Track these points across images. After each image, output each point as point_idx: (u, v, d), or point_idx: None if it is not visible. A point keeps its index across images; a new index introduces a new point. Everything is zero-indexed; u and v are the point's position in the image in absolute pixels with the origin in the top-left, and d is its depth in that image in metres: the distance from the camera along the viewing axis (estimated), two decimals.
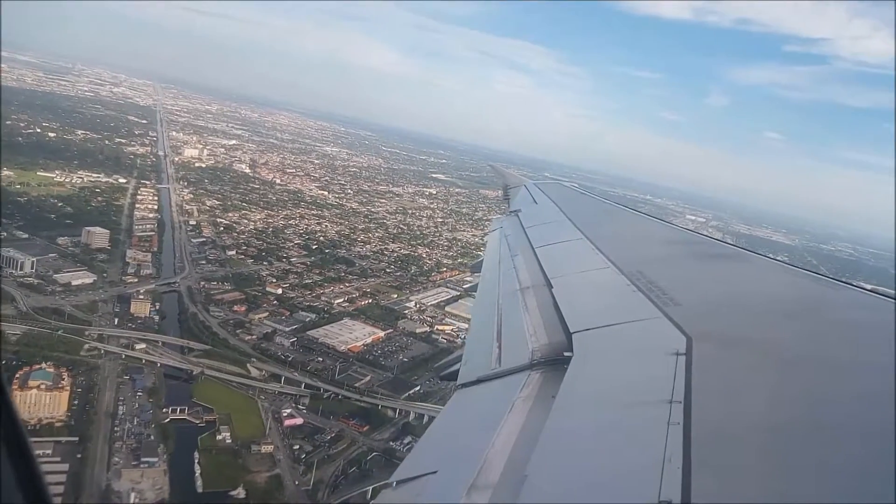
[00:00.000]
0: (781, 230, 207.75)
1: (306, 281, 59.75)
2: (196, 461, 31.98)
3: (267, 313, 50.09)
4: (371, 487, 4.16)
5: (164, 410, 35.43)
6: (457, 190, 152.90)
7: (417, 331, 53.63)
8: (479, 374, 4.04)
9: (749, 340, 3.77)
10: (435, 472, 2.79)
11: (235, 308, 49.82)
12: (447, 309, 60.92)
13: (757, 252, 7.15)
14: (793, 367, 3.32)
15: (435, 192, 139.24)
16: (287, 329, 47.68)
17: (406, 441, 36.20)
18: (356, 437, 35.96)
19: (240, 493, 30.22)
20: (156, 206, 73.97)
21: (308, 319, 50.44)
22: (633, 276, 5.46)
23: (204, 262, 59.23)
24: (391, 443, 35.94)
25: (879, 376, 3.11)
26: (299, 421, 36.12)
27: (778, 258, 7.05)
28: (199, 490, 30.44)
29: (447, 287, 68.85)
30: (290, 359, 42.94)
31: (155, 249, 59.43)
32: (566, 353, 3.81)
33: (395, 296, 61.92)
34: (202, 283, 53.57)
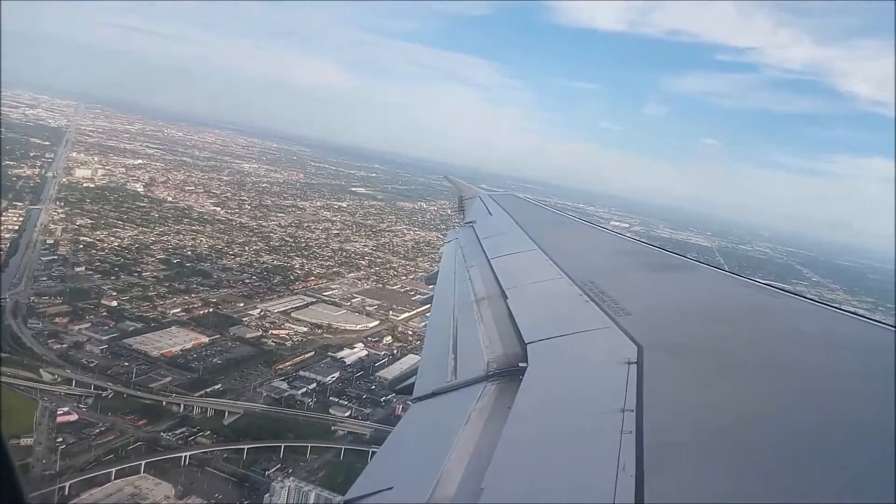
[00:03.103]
0: (707, 232, 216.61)
1: (150, 293, 62.86)
2: None
3: (89, 324, 53.16)
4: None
5: None
6: (372, 202, 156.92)
7: (247, 336, 57.27)
8: (435, 387, 4.15)
9: (697, 348, 3.95)
10: (390, 489, 2.84)
11: (57, 320, 52.82)
12: (294, 315, 64.72)
13: (706, 263, 7.58)
14: (740, 373, 3.48)
15: (346, 206, 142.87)
16: (104, 338, 50.82)
17: (179, 431, 40.00)
18: (129, 430, 39.48)
19: None
20: (17, 227, 76.32)
21: (132, 329, 53.71)
22: (585, 286, 5.75)
23: (45, 278, 62.01)
24: (161, 433, 39.62)
25: (821, 377, 3.35)
26: (73, 417, 39.47)
27: (725, 269, 7.27)
28: None
29: (304, 295, 72.70)
30: (93, 364, 46.27)
31: None
32: (521, 364, 3.96)
33: (242, 304, 65.42)
34: (32, 298, 56.48)
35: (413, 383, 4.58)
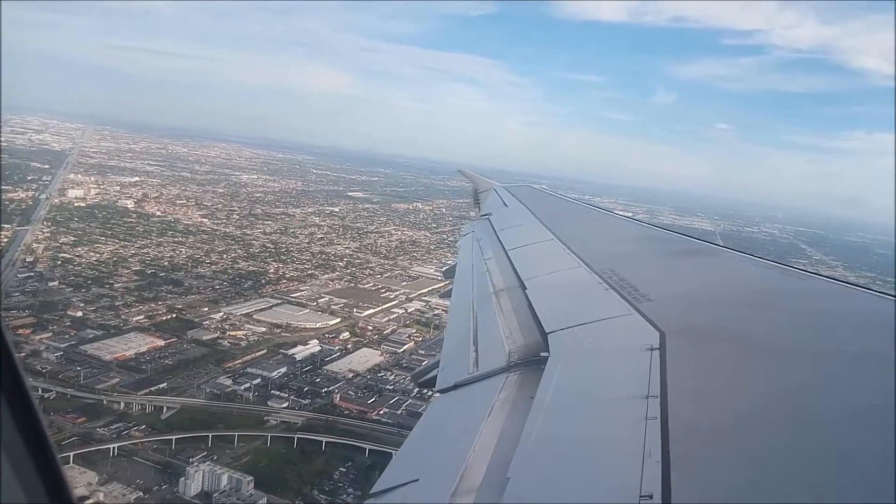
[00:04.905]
0: (714, 217, 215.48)
1: (116, 303, 66.66)
2: None
3: (51, 333, 56.98)
4: None
5: None
6: (367, 206, 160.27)
7: (204, 338, 60.49)
8: (457, 380, 4.26)
9: (720, 333, 4.02)
10: (416, 480, 2.91)
11: (21, 331, 56.62)
12: (255, 316, 67.79)
13: (726, 247, 7.59)
14: (764, 358, 3.50)
15: (337, 210, 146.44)
16: (62, 346, 54.53)
17: (114, 426, 43.28)
18: (66, 426, 42.83)
19: None
20: None
21: (91, 336, 57.38)
22: (604, 274, 5.78)
23: (18, 293, 66.15)
24: (97, 428, 42.87)
25: (849, 363, 3.32)
26: None
27: (746, 252, 7.15)
28: None
29: (271, 297, 75.80)
30: (45, 370, 49.88)
31: None
32: (542, 354, 4.08)
33: (206, 309, 68.75)
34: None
35: (435, 376, 4.73)
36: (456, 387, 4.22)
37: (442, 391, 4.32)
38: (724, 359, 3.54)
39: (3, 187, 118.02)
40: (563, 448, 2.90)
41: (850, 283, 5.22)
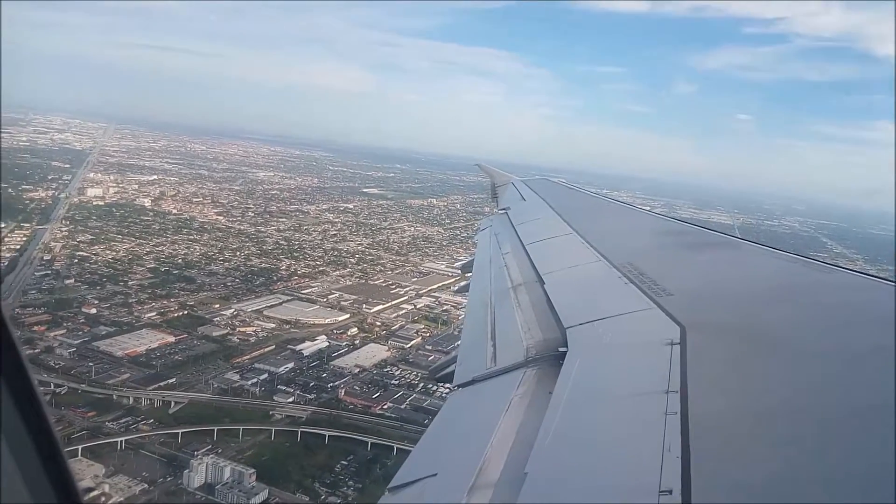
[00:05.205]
0: (734, 210, 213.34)
1: (130, 300, 68.29)
2: None
3: (65, 330, 58.65)
4: None
5: None
6: (381, 202, 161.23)
7: (214, 334, 61.83)
8: (475, 375, 4.28)
9: (742, 327, 3.96)
10: (434, 475, 2.92)
11: (36, 328, 58.40)
12: (265, 313, 68.97)
13: (747, 240, 7.42)
14: (786, 353, 3.48)
15: (352, 207, 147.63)
16: (75, 342, 56.11)
17: (122, 420, 44.55)
18: (76, 420, 44.20)
19: None
20: (19, 246, 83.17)
21: (104, 332, 58.96)
22: (623, 268, 5.74)
23: (35, 291, 68.10)
24: (107, 423, 44.19)
25: (873, 359, 3.23)
26: None
27: (767, 245, 7.02)
28: None
29: (282, 294, 77.09)
30: (58, 366, 51.41)
31: None
32: (561, 349, 4.06)
33: (217, 306, 70.11)
34: (17, 309, 62.34)
35: (453, 371, 4.70)
36: (473, 382, 4.23)
37: (459, 386, 4.31)
38: (745, 353, 3.52)
39: (23, 187, 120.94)
40: (581, 443, 2.91)
41: (873, 276, 5.13)
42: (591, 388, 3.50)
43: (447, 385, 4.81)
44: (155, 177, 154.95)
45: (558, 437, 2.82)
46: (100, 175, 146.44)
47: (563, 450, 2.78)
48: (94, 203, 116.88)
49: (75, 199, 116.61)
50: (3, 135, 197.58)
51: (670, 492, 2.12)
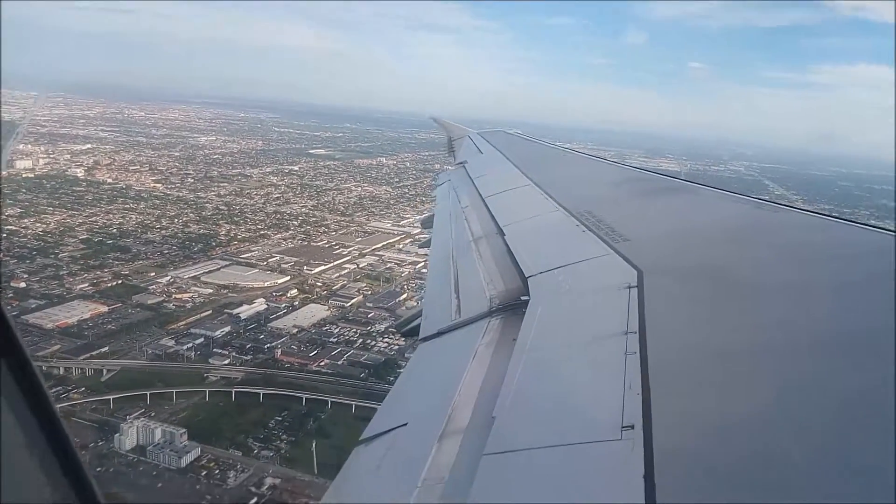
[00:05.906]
0: (683, 157, 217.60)
1: (61, 273, 67.48)
2: None
3: None
4: None
5: None
6: (328, 163, 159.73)
7: (149, 302, 61.70)
8: (440, 327, 4.38)
9: (696, 269, 4.13)
10: (405, 425, 3.00)
11: None
12: (203, 279, 68.88)
13: (702, 184, 7.66)
14: (739, 292, 3.56)
15: (297, 169, 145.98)
16: None
17: (53, 390, 44.75)
18: None
19: None
20: None
21: (34, 306, 58.38)
22: (581, 216, 5.87)
23: None
24: None
25: (824, 295, 3.37)
26: None
27: (723, 189, 7.23)
28: None
29: (220, 259, 76.86)
30: None
31: None
32: (523, 297, 4.18)
33: (153, 274, 69.64)
34: None
35: (419, 325, 4.80)
36: (439, 334, 4.32)
37: (425, 339, 4.40)
38: (701, 294, 3.63)
39: None
40: (546, 385, 2.99)
41: (821, 214, 5.36)
42: (554, 333, 3.60)
43: (404, 339, 5.76)
44: (89, 146, 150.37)
45: (523, 382, 2.90)
46: (29, 146, 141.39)
47: (529, 393, 2.87)
48: (24, 176, 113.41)
49: (4, 173, 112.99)
50: None
51: (632, 427, 2.23)
